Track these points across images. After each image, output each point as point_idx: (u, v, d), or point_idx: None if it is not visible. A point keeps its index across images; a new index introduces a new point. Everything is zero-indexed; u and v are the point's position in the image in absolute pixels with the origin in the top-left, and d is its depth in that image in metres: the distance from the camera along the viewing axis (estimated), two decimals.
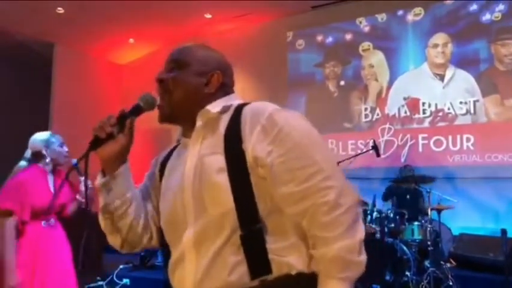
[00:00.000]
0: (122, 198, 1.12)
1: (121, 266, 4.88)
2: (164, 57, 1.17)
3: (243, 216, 0.98)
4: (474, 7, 5.69)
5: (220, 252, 0.99)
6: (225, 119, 1.07)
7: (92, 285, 4.54)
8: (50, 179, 2.71)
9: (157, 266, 4.95)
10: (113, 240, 1.18)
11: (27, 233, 2.57)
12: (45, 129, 7.56)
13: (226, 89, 1.15)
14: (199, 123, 1.08)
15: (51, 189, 2.66)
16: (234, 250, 0.98)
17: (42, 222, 2.62)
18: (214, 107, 1.09)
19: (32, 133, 2.84)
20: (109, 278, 4.64)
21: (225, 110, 1.09)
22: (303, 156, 0.98)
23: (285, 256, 0.99)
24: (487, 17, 5.60)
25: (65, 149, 2.76)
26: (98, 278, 4.62)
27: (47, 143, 2.71)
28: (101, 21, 6.91)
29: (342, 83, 6.54)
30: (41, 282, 2.54)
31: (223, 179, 0.99)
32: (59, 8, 6.43)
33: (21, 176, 2.64)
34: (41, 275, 2.55)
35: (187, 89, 1.10)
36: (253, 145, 0.99)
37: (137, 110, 1.12)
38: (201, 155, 1.05)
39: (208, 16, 6.99)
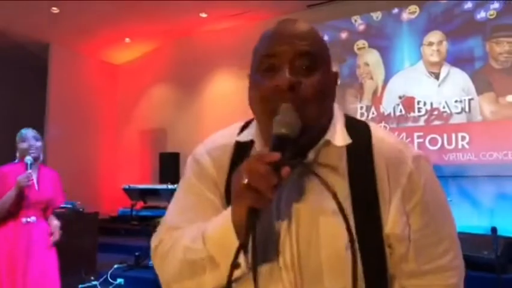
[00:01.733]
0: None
1: (115, 266, 4.87)
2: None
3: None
4: (469, 5, 5.68)
5: None
6: (340, 151, 0.80)
7: (86, 284, 4.54)
8: (34, 175, 2.74)
9: (152, 266, 4.94)
10: None
11: (5, 229, 2.59)
12: (40, 128, 7.57)
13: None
14: (312, 155, 0.79)
15: (35, 185, 2.69)
16: None
17: (23, 219, 2.64)
18: (338, 136, 0.80)
19: None
20: (103, 278, 4.64)
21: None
22: (437, 231, 0.82)
23: None
24: (481, 15, 5.59)
25: (24, 145, 2.77)
26: (92, 277, 4.61)
27: (16, 140, 2.79)
28: (96, 21, 6.91)
29: (337, 81, 6.52)
30: (17, 280, 2.54)
31: (350, 254, 0.73)
32: (54, 8, 6.43)
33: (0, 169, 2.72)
34: (19, 272, 2.55)
35: (329, 96, 0.80)
36: (395, 217, 0.78)
37: (286, 144, 0.72)
38: (314, 207, 0.78)
39: (204, 15, 6.99)
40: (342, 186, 0.77)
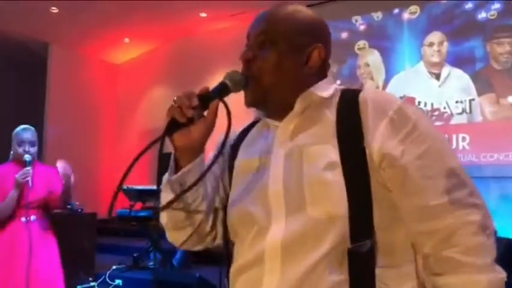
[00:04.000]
0: (195, 194, 0.91)
1: (114, 267, 4.85)
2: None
3: (356, 226, 0.78)
4: (470, 5, 5.65)
5: (317, 267, 0.78)
6: (332, 105, 0.88)
7: (84, 285, 4.52)
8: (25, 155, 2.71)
9: (150, 267, 4.92)
10: (176, 237, 0.97)
11: (6, 229, 2.57)
12: (40, 128, 7.55)
13: (326, 66, 0.94)
14: (298, 107, 0.88)
15: (29, 184, 2.66)
16: (335, 267, 0.78)
17: (22, 219, 2.61)
18: (322, 90, 0.89)
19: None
20: (101, 279, 4.62)
21: (334, 94, 0.90)
22: (442, 162, 0.80)
23: (395, 287, 0.80)
24: (482, 15, 5.56)
25: (20, 150, 2.72)
26: (90, 278, 4.59)
27: (12, 139, 2.76)
28: (96, 21, 6.89)
29: (338, 82, 6.50)
30: (20, 280, 2.52)
31: (335, 176, 0.79)
32: (53, 8, 6.42)
33: None
34: (22, 273, 2.53)
35: (282, 73, 0.88)
36: (381, 141, 0.80)
37: (223, 91, 0.89)
38: (300, 144, 0.86)
39: (203, 15, 6.97)
40: (329, 129, 0.85)
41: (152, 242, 4.95)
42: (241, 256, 0.88)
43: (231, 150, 1.00)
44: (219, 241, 1.00)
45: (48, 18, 6.65)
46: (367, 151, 0.80)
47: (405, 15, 6.09)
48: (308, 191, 0.81)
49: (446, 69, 5.72)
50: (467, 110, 5.51)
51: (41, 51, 7.49)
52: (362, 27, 6.41)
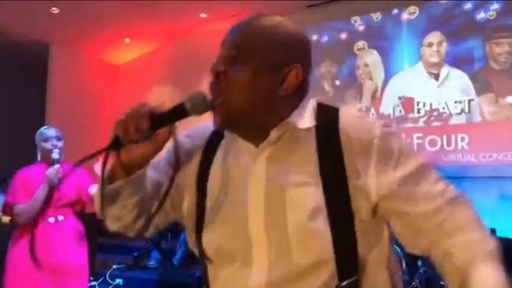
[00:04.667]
0: (126, 207, 0.88)
1: (114, 266, 4.87)
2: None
3: (343, 267, 0.78)
4: (469, 6, 5.67)
5: None
6: (310, 136, 0.83)
7: None
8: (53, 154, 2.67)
9: (151, 267, 4.95)
10: (108, 225, 0.94)
11: (37, 230, 2.57)
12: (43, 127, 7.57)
13: (305, 86, 0.86)
14: (274, 134, 0.82)
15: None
16: None
17: (50, 219, 2.60)
18: (299, 118, 0.83)
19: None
20: (102, 278, 4.64)
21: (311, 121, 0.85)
22: (430, 174, 0.86)
23: None
24: (481, 15, 5.57)
25: (47, 145, 2.69)
26: (90, 278, 4.61)
27: (37, 139, 2.73)
28: (96, 21, 6.91)
29: (337, 82, 6.53)
30: (48, 281, 2.53)
31: (320, 225, 0.77)
32: (53, 8, 6.43)
33: (20, 171, 2.68)
34: (52, 272, 2.54)
35: (253, 93, 0.81)
36: (377, 181, 0.80)
37: (179, 114, 0.82)
38: (280, 182, 0.81)
39: (204, 15, 6.98)
40: (310, 163, 0.80)
41: (153, 242, 4.97)
42: (222, 284, 0.86)
43: (200, 165, 0.92)
44: (149, 234, 0.96)
45: (49, 18, 6.66)
46: (351, 193, 0.79)
47: (404, 16, 6.11)
48: (294, 238, 0.79)
49: (445, 70, 5.74)
50: (466, 110, 5.52)
51: (41, 52, 7.51)
52: (361, 28, 6.43)
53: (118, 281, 4.64)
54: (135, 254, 4.94)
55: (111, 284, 4.61)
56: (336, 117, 0.84)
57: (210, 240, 0.87)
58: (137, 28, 7.23)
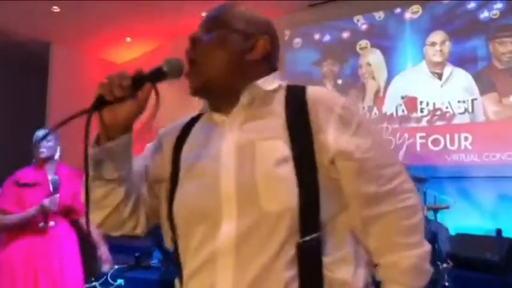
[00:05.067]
0: (113, 175, 0.89)
1: (116, 267, 4.83)
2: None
3: (306, 219, 0.81)
4: (472, 5, 5.65)
5: (271, 265, 0.80)
6: (279, 100, 0.91)
7: (86, 285, 4.51)
8: (50, 177, 2.67)
9: (152, 267, 4.92)
10: (94, 216, 0.94)
11: (23, 235, 2.54)
12: (41, 128, 7.55)
13: (271, 61, 0.97)
14: (244, 99, 0.90)
15: (50, 188, 2.63)
16: (287, 263, 0.81)
17: (40, 224, 2.57)
18: (266, 83, 0.92)
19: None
20: (103, 279, 4.61)
21: (277, 89, 0.93)
22: (386, 153, 0.89)
23: (339, 272, 0.85)
24: (484, 14, 5.55)
25: (41, 148, 2.69)
26: (92, 278, 4.58)
27: (33, 141, 2.73)
28: (97, 20, 6.89)
29: (339, 81, 6.51)
30: (36, 284, 2.50)
31: (287, 171, 0.82)
32: (54, 7, 6.41)
33: (11, 177, 2.66)
34: (40, 278, 2.51)
35: (227, 53, 0.90)
36: (335, 137, 0.84)
37: (158, 75, 0.90)
38: (250, 138, 0.87)
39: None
40: (278, 122, 0.87)
41: (154, 242, 4.95)
42: (190, 259, 0.87)
43: (175, 141, 0.99)
44: (139, 230, 0.99)
45: (49, 17, 6.64)
46: (315, 146, 0.84)
47: (407, 15, 6.08)
48: (261, 185, 0.82)
49: (448, 69, 5.72)
50: (470, 110, 5.50)
51: (42, 51, 7.49)
52: (363, 27, 6.40)
53: (120, 281, 4.61)
54: (136, 254, 4.92)
55: (112, 285, 4.58)
56: (303, 88, 0.94)
57: (181, 204, 0.90)
58: (138, 27, 7.21)
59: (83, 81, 7.95)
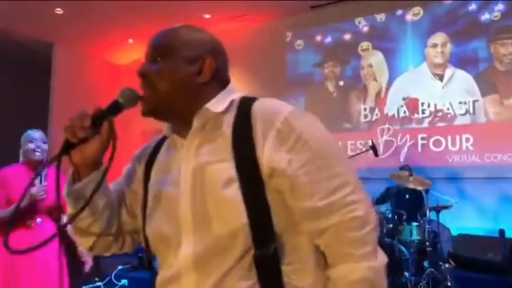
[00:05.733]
0: (91, 208, 0.97)
1: (119, 267, 4.87)
2: None
3: (258, 235, 0.84)
4: (473, 7, 5.68)
5: (228, 276, 0.85)
6: (229, 119, 0.92)
7: (90, 285, 4.53)
8: (41, 177, 2.67)
9: (156, 267, 4.94)
10: (83, 243, 1.05)
11: (13, 232, 2.53)
12: (44, 129, 7.56)
13: (221, 75, 0.99)
14: (196, 124, 0.93)
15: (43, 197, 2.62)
16: (244, 273, 0.85)
17: (28, 222, 2.58)
18: (216, 104, 0.93)
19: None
20: (107, 279, 4.64)
21: (228, 108, 0.94)
22: (326, 166, 0.87)
23: (299, 280, 0.87)
24: (486, 16, 5.58)
25: (31, 146, 2.70)
26: (96, 278, 4.61)
27: (22, 141, 2.73)
28: (100, 22, 6.91)
29: (341, 83, 6.53)
30: (18, 283, 2.50)
31: (233, 192, 0.84)
32: (58, 9, 6.44)
33: (3, 172, 2.66)
34: (22, 277, 2.52)
35: (175, 82, 0.93)
36: (270, 153, 0.86)
37: (115, 108, 0.95)
38: (202, 162, 0.90)
39: (207, 16, 6.98)
40: (226, 143, 0.89)
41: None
42: (162, 272, 0.95)
43: (144, 169, 1.04)
44: (127, 249, 1.09)
45: (52, 19, 6.67)
46: (260, 163, 0.86)
47: (409, 17, 6.11)
48: (211, 209, 0.86)
49: (449, 71, 5.75)
50: (471, 111, 5.53)
51: (45, 52, 7.52)
52: (365, 29, 6.44)
53: (123, 281, 4.64)
54: (140, 255, 4.94)
55: (116, 285, 4.61)
56: (252, 103, 0.94)
57: (150, 228, 0.97)
58: (140, 29, 7.23)
59: (85, 82, 7.98)
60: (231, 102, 0.95)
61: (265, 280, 0.85)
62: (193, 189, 0.89)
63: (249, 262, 0.85)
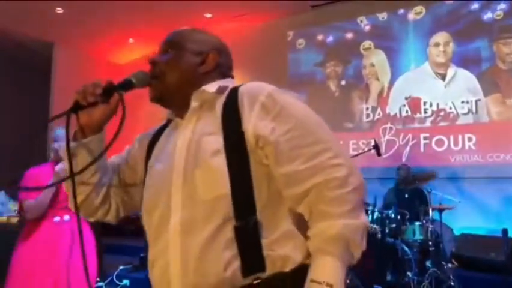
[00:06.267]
0: (88, 171, 1.07)
1: (121, 267, 4.85)
2: None
3: (239, 204, 0.90)
4: (475, 6, 5.67)
5: (211, 245, 0.90)
6: (222, 100, 1.02)
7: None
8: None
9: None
10: (70, 202, 1.08)
11: (40, 229, 2.56)
12: (44, 129, 7.55)
13: (223, 70, 1.10)
14: (194, 103, 1.03)
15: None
16: (227, 243, 0.90)
17: (55, 218, 2.60)
18: (211, 87, 1.04)
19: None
20: (109, 279, 4.62)
21: (221, 90, 1.04)
22: (308, 134, 0.93)
23: (281, 249, 0.92)
24: (488, 15, 5.57)
25: (55, 145, 2.73)
26: (97, 278, 4.59)
27: (50, 140, 2.74)
28: (100, 21, 6.91)
29: (343, 82, 6.52)
30: (56, 281, 2.51)
31: (219, 161, 0.92)
32: (58, 8, 6.43)
33: (30, 170, 2.68)
34: (62, 273, 2.52)
35: (181, 69, 1.06)
36: (255, 123, 0.93)
37: (127, 85, 1.06)
38: (196, 136, 0.99)
39: (208, 16, 6.98)
40: (217, 119, 0.98)
41: None
42: (151, 249, 1.01)
43: (146, 150, 1.14)
44: (110, 218, 1.17)
45: (53, 18, 6.66)
46: (246, 135, 0.93)
47: (411, 16, 6.10)
48: (199, 176, 0.94)
49: (451, 70, 5.73)
50: (473, 110, 5.51)
51: (45, 52, 7.51)
52: (367, 28, 6.42)
53: (125, 281, 4.62)
54: (142, 255, 4.92)
55: (118, 285, 4.59)
56: (240, 86, 1.03)
57: (144, 199, 1.05)
58: (141, 28, 7.23)
59: (85, 81, 7.93)
60: (224, 87, 1.04)
61: (245, 251, 0.90)
62: (186, 160, 0.97)
63: (230, 233, 0.90)
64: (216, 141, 0.95)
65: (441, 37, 5.84)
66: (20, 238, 2.64)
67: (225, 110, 0.98)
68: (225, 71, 1.11)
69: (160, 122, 1.19)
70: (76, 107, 1.03)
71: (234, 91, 1.01)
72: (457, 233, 4.82)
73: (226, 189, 0.91)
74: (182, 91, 1.05)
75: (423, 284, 3.85)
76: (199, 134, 0.99)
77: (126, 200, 1.16)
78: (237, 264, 0.90)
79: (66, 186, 1.11)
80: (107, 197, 1.13)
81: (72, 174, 1.03)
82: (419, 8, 6.02)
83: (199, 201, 0.92)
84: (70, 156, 1.04)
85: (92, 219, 1.16)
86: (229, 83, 1.07)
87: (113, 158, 1.19)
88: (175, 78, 1.05)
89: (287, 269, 0.92)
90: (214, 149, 0.93)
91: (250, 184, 0.92)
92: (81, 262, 2.55)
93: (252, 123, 0.93)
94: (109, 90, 1.02)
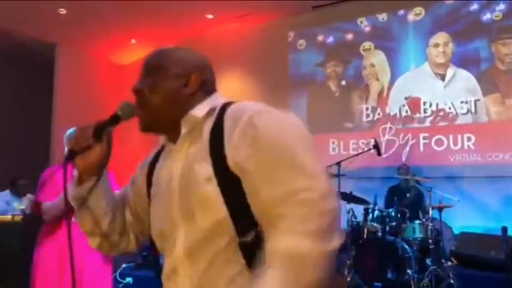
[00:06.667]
0: (96, 211, 1.10)
1: (124, 265, 4.89)
2: None
3: (240, 223, 0.93)
4: (474, 6, 5.71)
5: (214, 263, 0.95)
6: (209, 124, 1.01)
7: None
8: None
9: (162, 265, 4.95)
10: (91, 242, 1.16)
11: (59, 228, 2.59)
12: (47, 129, 7.59)
13: (207, 86, 1.08)
14: (184, 130, 1.03)
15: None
16: (232, 260, 0.94)
17: (74, 218, 2.62)
18: (198, 110, 1.03)
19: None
20: (112, 277, 4.65)
21: (210, 112, 1.02)
22: (282, 159, 0.89)
23: None
24: (487, 16, 5.62)
25: (68, 145, 2.76)
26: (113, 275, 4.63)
27: (65, 139, 2.76)
28: (103, 22, 6.94)
29: (343, 82, 6.57)
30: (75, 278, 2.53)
31: (212, 188, 0.93)
32: (61, 9, 6.47)
33: (47, 171, 2.70)
34: (76, 271, 2.55)
35: (165, 94, 1.03)
36: (234, 150, 0.93)
37: (114, 120, 1.07)
38: (188, 164, 1.00)
39: (210, 16, 7.02)
40: (205, 145, 0.98)
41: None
42: (164, 267, 1.06)
43: (146, 177, 1.15)
44: (131, 249, 1.19)
45: (55, 19, 6.70)
46: (227, 160, 0.94)
47: (410, 17, 6.15)
48: (195, 204, 0.95)
49: (451, 70, 5.78)
50: (472, 110, 5.56)
51: (48, 52, 7.54)
52: (367, 29, 6.47)
53: (128, 279, 4.66)
54: (144, 253, 4.96)
55: (121, 283, 4.63)
56: (229, 106, 1.02)
57: (153, 228, 1.08)
58: (143, 29, 7.27)
59: (88, 82, 8.00)
60: (213, 109, 1.03)
61: (253, 265, 0.91)
62: (181, 187, 0.99)
63: (235, 249, 0.93)
64: (205, 168, 0.95)
65: (440, 38, 5.89)
66: (41, 237, 2.66)
67: (211, 135, 0.99)
68: (210, 88, 1.09)
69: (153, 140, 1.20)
70: (71, 155, 1.04)
71: (221, 113, 1.01)
72: (456, 231, 4.86)
73: (223, 213, 0.92)
74: (170, 117, 1.04)
75: (423, 281, 3.90)
76: (190, 161, 1.00)
77: (142, 228, 1.18)
78: (239, 280, 0.93)
79: (82, 226, 1.15)
80: (124, 231, 1.16)
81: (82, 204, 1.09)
82: (419, 9, 6.07)
83: (199, 228, 0.95)
84: (68, 203, 1.09)
85: (114, 254, 1.21)
86: (218, 100, 1.06)
87: (121, 190, 1.21)
88: (160, 105, 1.03)
89: None
90: (205, 176, 0.95)
91: (246, 203, 0.92)
92: (96, 260, 2.60)
93: (232, 151, 0.93)
94: (99, 130, 1.05)
